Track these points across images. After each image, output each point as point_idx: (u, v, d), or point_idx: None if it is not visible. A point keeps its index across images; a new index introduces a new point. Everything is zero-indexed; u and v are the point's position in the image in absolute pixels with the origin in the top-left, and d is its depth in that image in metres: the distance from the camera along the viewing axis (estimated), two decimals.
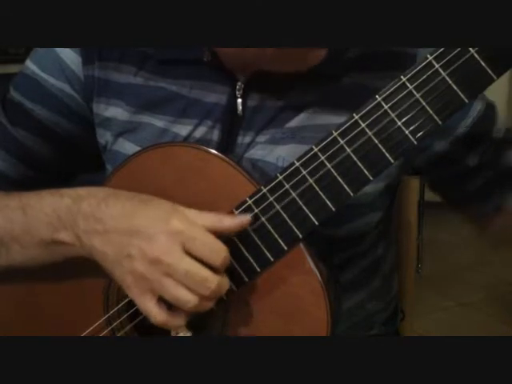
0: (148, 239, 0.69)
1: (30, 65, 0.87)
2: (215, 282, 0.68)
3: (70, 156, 0.90)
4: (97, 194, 0.74)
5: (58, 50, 0.85)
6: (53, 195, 0.76)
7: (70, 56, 0.85)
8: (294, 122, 0.80)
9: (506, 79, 3.05)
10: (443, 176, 0.88)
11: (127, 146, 0.84)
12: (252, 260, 0.72)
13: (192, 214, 0.71)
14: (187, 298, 0.68)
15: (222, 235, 0.70)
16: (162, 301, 0.70)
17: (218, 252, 0.69)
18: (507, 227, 0.87)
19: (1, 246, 0.78)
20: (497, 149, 0.85)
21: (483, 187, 0.87)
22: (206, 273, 0.68)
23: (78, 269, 0.76)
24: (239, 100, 0.80)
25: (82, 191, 0.75)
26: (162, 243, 0.68)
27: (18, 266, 0.79)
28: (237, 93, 0.80)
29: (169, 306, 0.70)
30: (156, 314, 0.70)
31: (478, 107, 0.84)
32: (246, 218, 0.71)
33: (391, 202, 0.90)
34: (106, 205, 0.72)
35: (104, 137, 0.86)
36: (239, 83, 0.80)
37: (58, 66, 0.85)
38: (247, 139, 0.81)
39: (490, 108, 0.86)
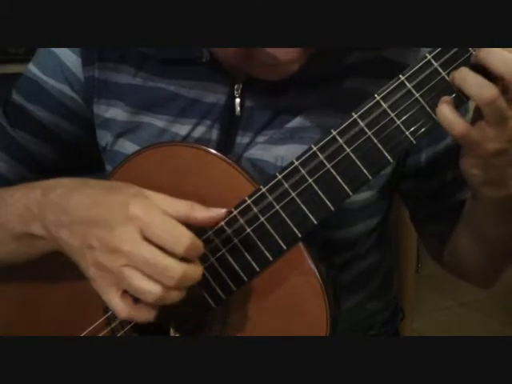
0: (106, 228, 0.66)
1: (31, 67, 0.88)
2: (179, 271, 0.64)
3: (70, 157, 0.90)
4: (65, 184, 0.72)
5: (58, 51, 0.85)
6: (25, 188, 0.75)
7: (70, 57, 0.85)
8: (292, 123, 0.80)
9: None
10: (406, 188, 0.88)
11: (127, 146, 0.84)
12: (251, 259, 0.72)
13: (159, 198, 0.67)
14: (149, 289, 0.64)
15: (194, 225, 0.67)
16: (128, 293, 0.67)
17: (179, 238, 0.65)
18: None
19: None
20: (460, 179, 0.85)
21: (432, 210, 0.88)
22: (167, 261, 0.64)
23: (78, 268, 0.76)
24: (237, 100, 0.80)
25: (51, 182, 0.73)
26: (120, 231, 0.65)
27: (0, 261, 0.78)
28: (235, 93, 0.80)
29: (135, 298, 0.67)
30: (119, 307, 0.66)
31: None
32: (220, 212, 0.68)
33: (389, 206, 0.90)
34: (71, 195, 0.70)
35: (104, 138, 0.87)
36: (238, 83, 0.80)
37: (59, 67, 0.86)
38: (246, 139, 0.81)
39: None
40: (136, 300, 0.67)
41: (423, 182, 0.86)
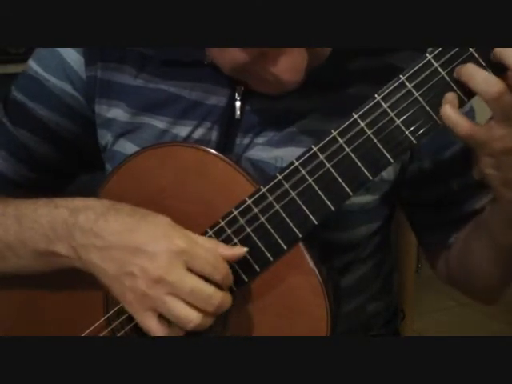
0: (150, 258, 0.69)
1: (33, 65, 0.87)
2: (219, 299, 0.69)
3: (70, 156, 0.90)
4: (95, 207, 0.73)
5: (61, 50, 0.85)
6: (48, 205, 0.76)
7: (72, 56, 0.85)
8: (293, 127, 0.80)
9: None
10: (408, 196, 0.87)
11: (127, 147, 0.84)
12: (251, 260, 0.72)
13: (191, 234, 0.71)
14: (191, 317, 0.68)
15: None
16: (163, 316, 0.70)
17: (221, 269, 0.69)
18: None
19: None
20: (468, 188, 0.84)
21: (437, 218, 0.87)
22: (210, 289, 0.68)
23: (79, 270, 0.76)
24: (238, 103, 0.80)
25: (78, 203, 0.74)
26: (165, 262, 0.68)
27: (13, 273, 0.79)
28: (236, 95, 0.80)
29: (169, 320, 0.70)
30: (157, 331, 0.70)
31: None
32: (242, 251, 0.71)
33: (391, 213, 0.90)
34: (105, 219, 0.71)
35: (105, 137, 0.86)
36: (239, 86, 0.80)
37: (61, 66, 0.85)
38: (246, 140, 0.80)
39: None
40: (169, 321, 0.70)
41: (426, 190, 0.86)
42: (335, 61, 0.76)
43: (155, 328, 0.69)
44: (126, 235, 0.70)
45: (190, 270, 0.68)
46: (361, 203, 0.81)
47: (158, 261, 0.68)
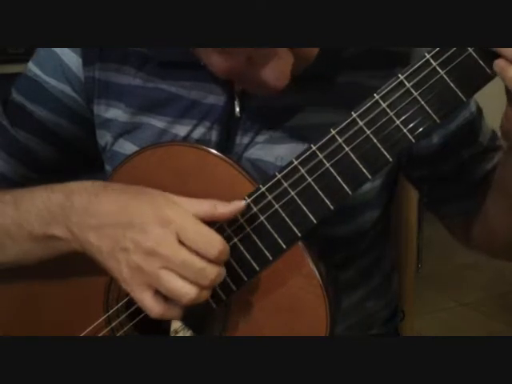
0: (142, 231, 0.69)
1: (32, 67, 0.88)
2: (214, 272, 0.68)
3: (70, 157, 0.90)
4: (88, 188, 0.74)
5: (59, 51, 0.86)
6: (45, 190, 0.76)
7: (70, 58, 0.85)
8: (292, 122, 0.80)
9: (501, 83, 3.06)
10: (421, 174, 0.88)
11: (127, 147, 0.84)
12: (251, 259, 0.72)
13: (185, 202, 0.70)
14: (185, 290, 0.67)
15: (218, 222, 0.71)
16: (159, 292, 0.69)
17: (213, 242, 0.68)
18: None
19: None
20: (478, 155, 0.85)
21: (453, 190, 0.87)
22: (203, 263, 0.67)
23: (79, 268, 0.76)
24: (237, 101, 0.80)
25: (73, 186, 0.75)
26: (156, 234, 0.68)
27: (12, 262, 0.79)
28: (235, 94, 0.80)
29: (165, 297, 0.69)
30: (152, 306, 0.69)
31: (472, 108, 0.85)
32: (241, 204, 0.70)
33: (389, 200, 0.90)
34: (98, 199, 0.72)
35: (104, 138, 0.87)
36: (237, 85, 0.80)
37: (59, 67, 0.86)
38: (246, 139, 0.81)
39: (480, 113, 0.86)
40: (166, 298, 0.69)
41: (440, 165, 0.86)
42: (327, 51, 0.76)
43: (150, 304, 0.69)
44: (118, 212, 0.70)
45: (183, 243, 0.68)
46: (361, 192, 0.81)
47: (148, 232, 0.68)
